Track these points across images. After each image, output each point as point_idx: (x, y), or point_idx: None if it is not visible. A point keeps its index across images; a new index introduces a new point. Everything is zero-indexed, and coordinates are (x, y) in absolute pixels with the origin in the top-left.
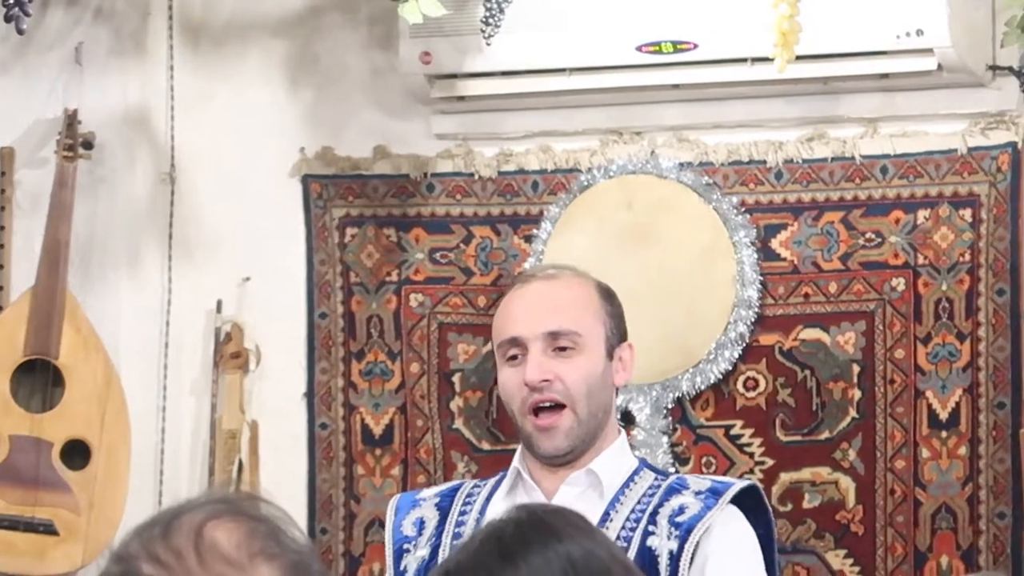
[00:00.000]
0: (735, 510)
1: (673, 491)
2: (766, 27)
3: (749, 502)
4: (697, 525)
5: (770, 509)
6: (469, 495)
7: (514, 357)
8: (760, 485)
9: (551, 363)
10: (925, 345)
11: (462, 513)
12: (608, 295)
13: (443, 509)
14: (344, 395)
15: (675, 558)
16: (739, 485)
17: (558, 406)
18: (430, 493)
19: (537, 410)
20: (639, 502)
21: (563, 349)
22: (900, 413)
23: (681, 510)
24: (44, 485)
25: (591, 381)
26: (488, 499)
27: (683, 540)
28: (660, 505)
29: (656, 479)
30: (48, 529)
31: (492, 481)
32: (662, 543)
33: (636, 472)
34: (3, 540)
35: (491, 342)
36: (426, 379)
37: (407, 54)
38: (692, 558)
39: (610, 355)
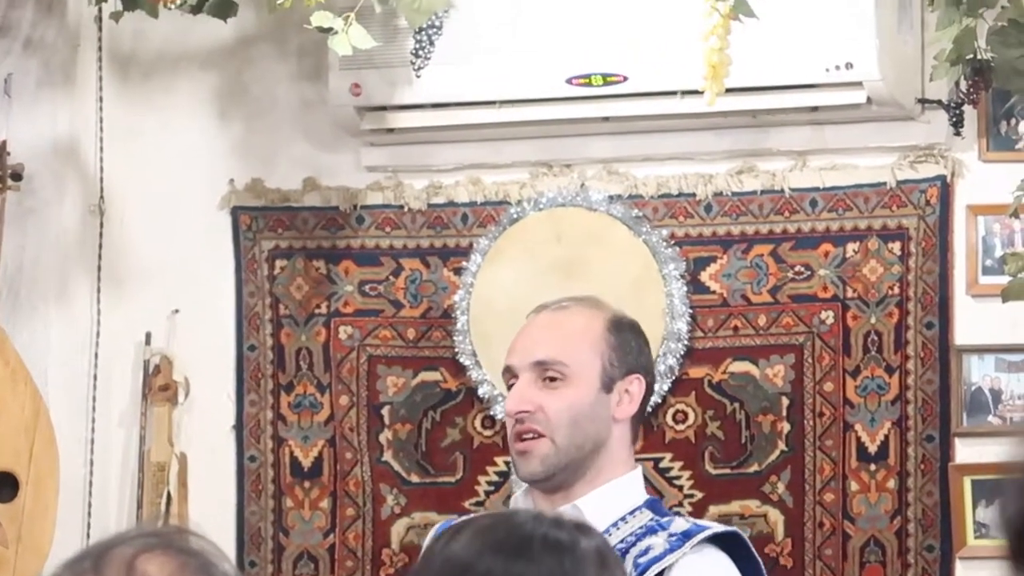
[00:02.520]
0: (712, 551)
1: (651, 532)
2: (696, 60)
3: (741, 551)
4: (653, 566)
5: (757, 557)
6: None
7: (511, 387)
8: (744, 533)
9: (537, 393)
10: (854, 378)
11: None
12: (617, 327)
13: None
14: (273, 427)
15: None
16: (713, 529)
17: (538, 434)
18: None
19: (521, 438)
20: (622, 541)
21: (551, 379)
22: (829, 446)
23: (646, 551)
24: None
25: (575, 412)
26: None
27: None
28: (632, 545)
29: (651, 519)
30: None
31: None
32: None
33: (632, 512)
34: None
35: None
36: (355, 412)
37: (337, 86)
38: None
39: (608, 388)
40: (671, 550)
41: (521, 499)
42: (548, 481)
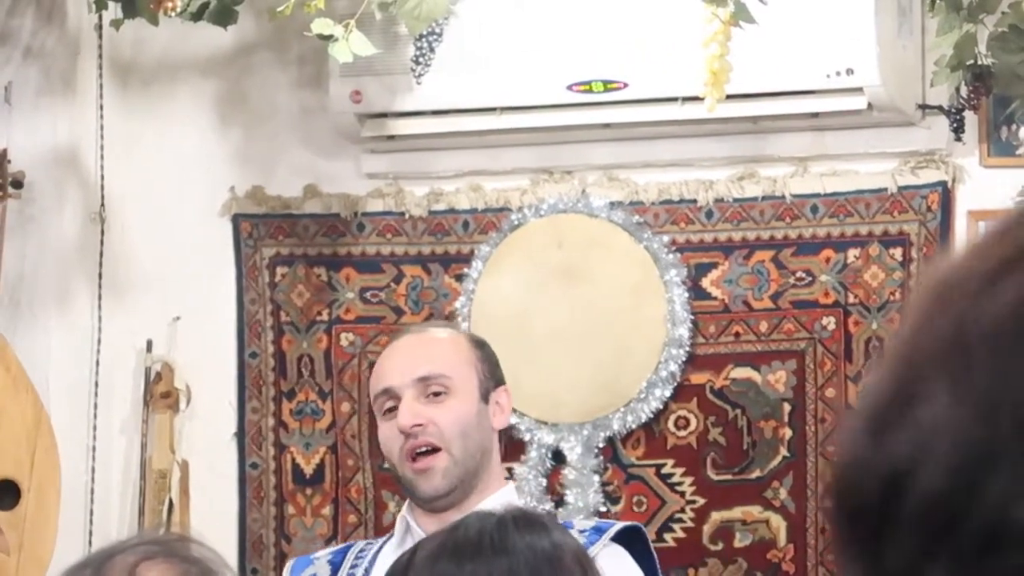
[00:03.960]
0: (620, 549)
1: None
2: (697, 66)
3: (638, 546)
4: None
5: (654, 552)
6: (361, 551)
7: (391, 409)
8: (644, 527)
9: (424, 408)
10: (856, 384)
11: (353, 566)
12: (478, 343)
13: (335, 564)
14: (275, 434)
15: None
16: (621, 525)
17: (434, 449)
18: (323, 552)
19: (415, 456)
20: None
21: (436, 395)
22: (831, 452)
23: None
24: None
25: (464, 422)
26: (379, 551)
27: None
28: None
29: None
30: None
31: (383, 539)
32: None
33: None
34: None
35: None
36: (357, 418)
37: (337, 93)
38: None
39: (485, 399)
40: (589, 544)
41: (403, 528)
42: (448, 496)
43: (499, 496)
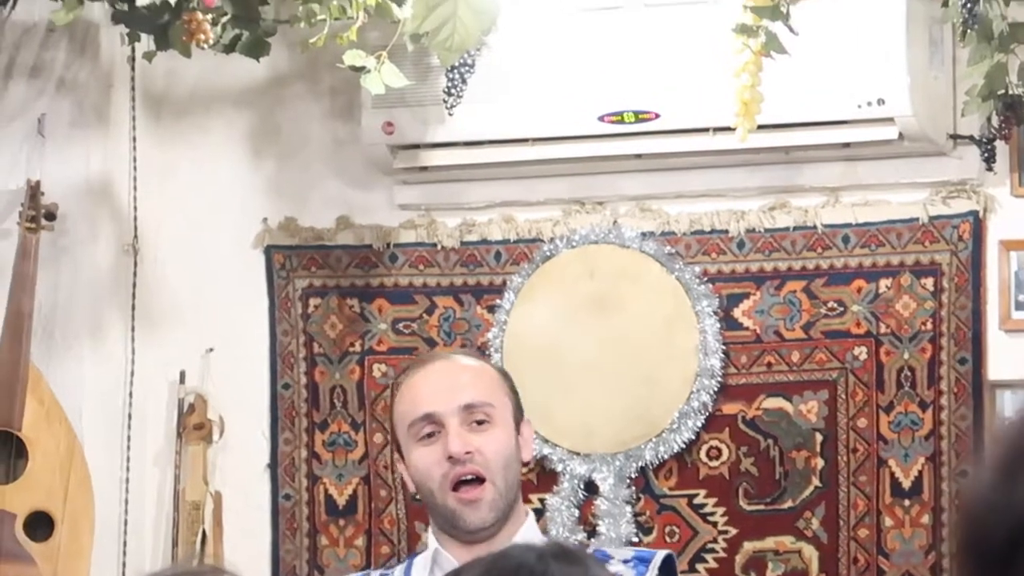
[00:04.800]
0: None
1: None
2: (728, 97)
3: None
4: None
5: None
6: None
7: (430, 435)
8: (674, 554)
9: (470, 436)
10: (887, 414)
11: None
12: (504, 374)
13: None
14: (307, 466)
15: None
16: (662, 553)
17: (478, 479)
18: None
19: (457, 485)
20: None
21: (480, 423)
22: (863, 482)
23: None
24: (7, 557)
25: (507, 453)
26: None
27: None
28: None
29: None
30: None
31: (399, 569)
32: None
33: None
34: None
35: (392, 429)
36: (390, 449)
37: (369, 124)
38: None
39: (517, 429)
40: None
41: (431, 558)
42: (491, 528)
43: (526, 528)
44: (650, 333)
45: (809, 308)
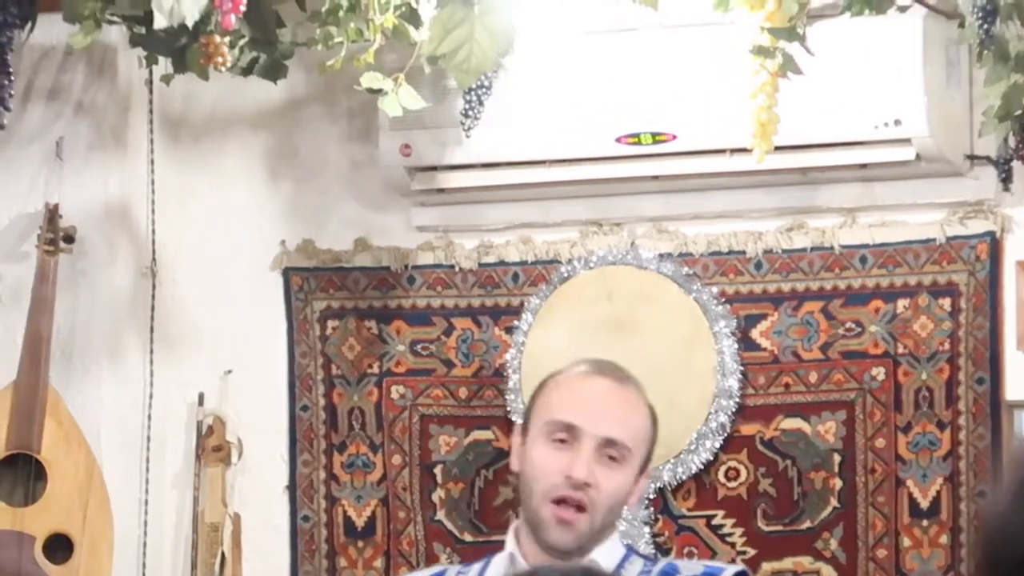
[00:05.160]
0: None
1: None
2: (744, 118)
3: None
4: None
5: None
6: None
7: (562, 441)
8: (748, 570)
9: (596, 467)
10: (905, 434)
11: None
12: (655, 423)
13: None
14: (326, 487)
15: None
16: (732, 569)
17: (580, 507)
18: None
19: (559, 500)
20: None
21: (611, 459)
22: (881, 502)
23: None
24: None
25: (620, 496)
26: None
27: None
28: None
29: (645, 565)
30: None
31: (477, 567)
32: None
33: (625, 559)
34: None
35: (529, 409)
36: (408, 471)
37: (387, 147)
38: None
39: (637, 479)
40: None
41: (506, 561)
42: (575, 552)
43: (608, 542)
44: (668, 354)
45: (827, 328)
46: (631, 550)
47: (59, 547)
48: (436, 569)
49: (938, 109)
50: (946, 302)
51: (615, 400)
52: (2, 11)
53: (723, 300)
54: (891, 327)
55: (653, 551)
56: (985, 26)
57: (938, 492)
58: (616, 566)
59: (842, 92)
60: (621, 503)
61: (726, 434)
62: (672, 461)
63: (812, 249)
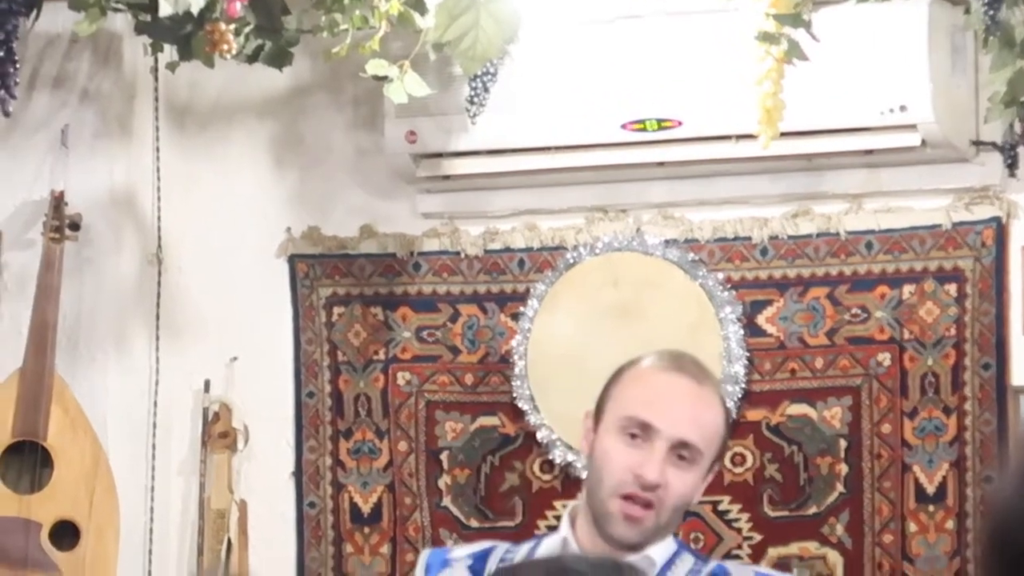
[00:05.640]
0: None
1: None
2: (750, 104)
3: None
4: None
5: None
6: (502, 560)
7: (634, 436)
8: None
9: (668, 469)
10: (911, 419)
11: None
12: (729, 422)
13: (476, 572)
14: (332, 474)
15: None
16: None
17: (647, 505)
18: (462, 554)
19: (628, 495)
20: None
21: (682, 459)
22: (887, 488)
23: None
24: (33, 566)
25: (687, 498)
26: None
27: None
28: None
29: (695, 564)
30: None
31: (526, 547)
32: None
33: (676, 555)
34: None
35: (604, 399)
36: (414, 457)
37: (392, 134)
38: None
39: (704, 477)
40: None
41: (558, 545)
42: (637, 547)
43: (662, 541)
44: (674, 340)
45: (832, 314)
46: (683, 546)
47: (65, 534)
48: (486, 545)
49: (944, 95)
50: (952, 288)
51: (692, 400)
52: None
53: (729, 286)
54: (897, 313)
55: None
56: (991, 12)
57: (944, 477)
58: (667, 561)
59: (847, 78)
60: (687, 503)
61: (732, 420)
62: None
63: (818, 235)
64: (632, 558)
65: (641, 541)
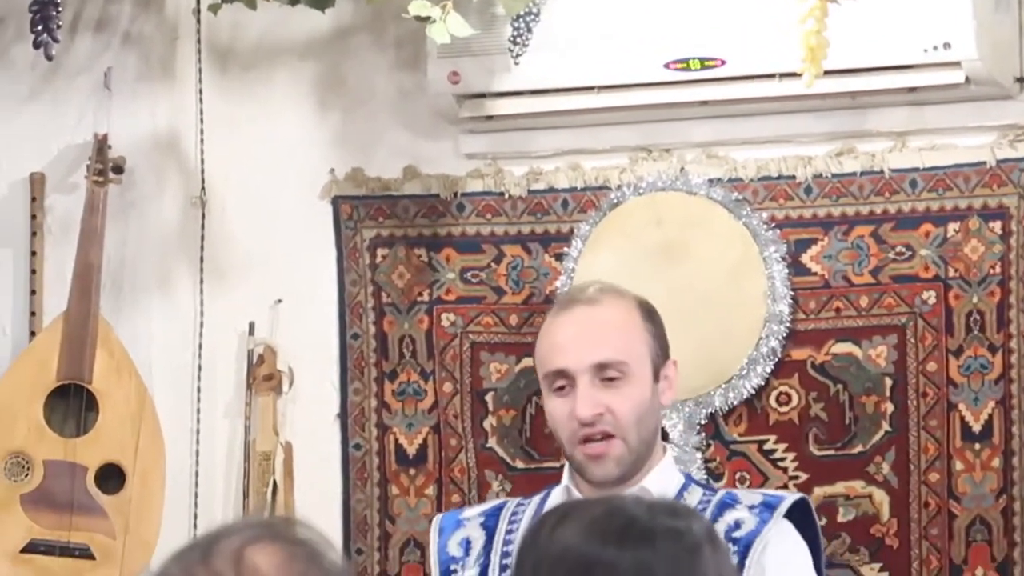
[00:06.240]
0: (787, 524)
1: (725, 506)
2: (793, 43)
3: (797, 515)
4: (756, 540)
5: (818, 522)
6: (514, 513)
7: (561, 388)
8: (810, 498)
9: (600, 395)
10: (957, 358)
11: (508, 532)
12: (650, 314)
13: (489, 528)
14: (377, 415)
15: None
16: (791, 498)
17: (607, 435)
18: (473, 512)
19: (585, 439)
20: None
21: (611, 380)
22: (933, 426)
23: (737, 525)
24: (79, 509)
25: (640, 410)
26: (535, 517)
27: (743, 556)
28: (714, 521)
29: (704, 494)
30: (84, 553)
31: (536, 499)
32: None
33: (684, 488)
34: (39, 565)
35: (535, 364)
36: (459, 398)
37: (435, 75)
38: (751, 573)
39: (656, 377)
40: (764, 522)
41: (563, 495)
42: (620, 479)
43: (661, 469)
44: (718, 280)
45: (877, 253)
46: (690, 479)
47: (111, 477)
48: (497, 502)
49: (987, 32)
50: (996, 225)
51: (587, 324)
52: None
53: (773, 225)
54: (942, 251)
55: (706, 477)
56: None
57: (990, 415)
58: (676, 494)
59: (891, 16)
60: (649, 413)
61: (777, 359)
62: (723, 386)
63: (862, 173)
64: (631, 491)
65: (621, 472)
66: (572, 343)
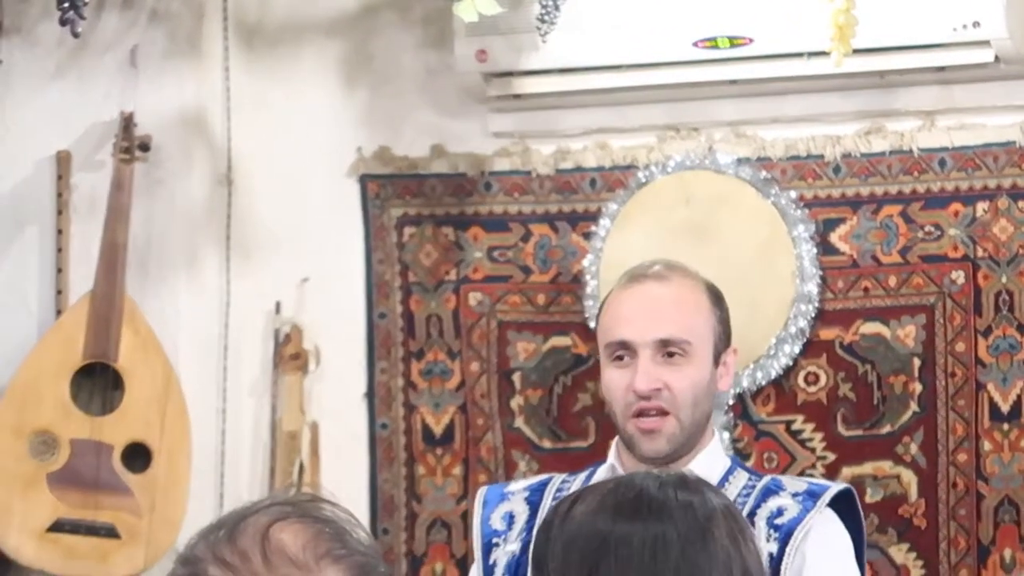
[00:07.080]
0: (831, 513)
1: (769, 492)
2: (822, 21)
3: (842, 505)
4: (797, 528)
5: (862, 513)
6: (559, 489)
7: (620, 358)
8: (853, 488)
9: (660, 370)
10: (985, 338)
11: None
12: (717, 299)
13: (533, 504)
14: (404, 395)
15: (776, 560)
16: (836, 488)
17: (662, 412)
18: (519, 487)
19: (639, 413)
20: (735, 502)
21: (671, 355)
22: (961, 406)
23: (779, 512)
24: (105, 488)
25: (697, 390)
26: None
27: (783, 543)
28: (757, 506)
29: (750, 479)
30: (110, 532)
31: (582, 476)
32: (761, 545)
33: (730, 471)
34: (65, 544)
35: (596, 335)
36: (486, 378)
37: (463, 53)
38: (792, 561)
39: (716, 361)
40: (806, 511)
41: (607, 472)
42: (669, 457)
43: (708, 452)
44: (746, 259)
45: (906, 232)
46: (736, 463)
47: (137, 456)
48: (543, 477)
49: (1017, 11)
50: None
51: (657, 301)
52: None
53: (801, 204)
54: (970, 230)
55: (733, 457)
56: None
57: (1019, 396)
58: (721, 478)
59: None
60: (705, 393)
61: (805, 339)
62: (751, 366)
63: (891, 152)
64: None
65: (671, 449)
66: (638, 316)
